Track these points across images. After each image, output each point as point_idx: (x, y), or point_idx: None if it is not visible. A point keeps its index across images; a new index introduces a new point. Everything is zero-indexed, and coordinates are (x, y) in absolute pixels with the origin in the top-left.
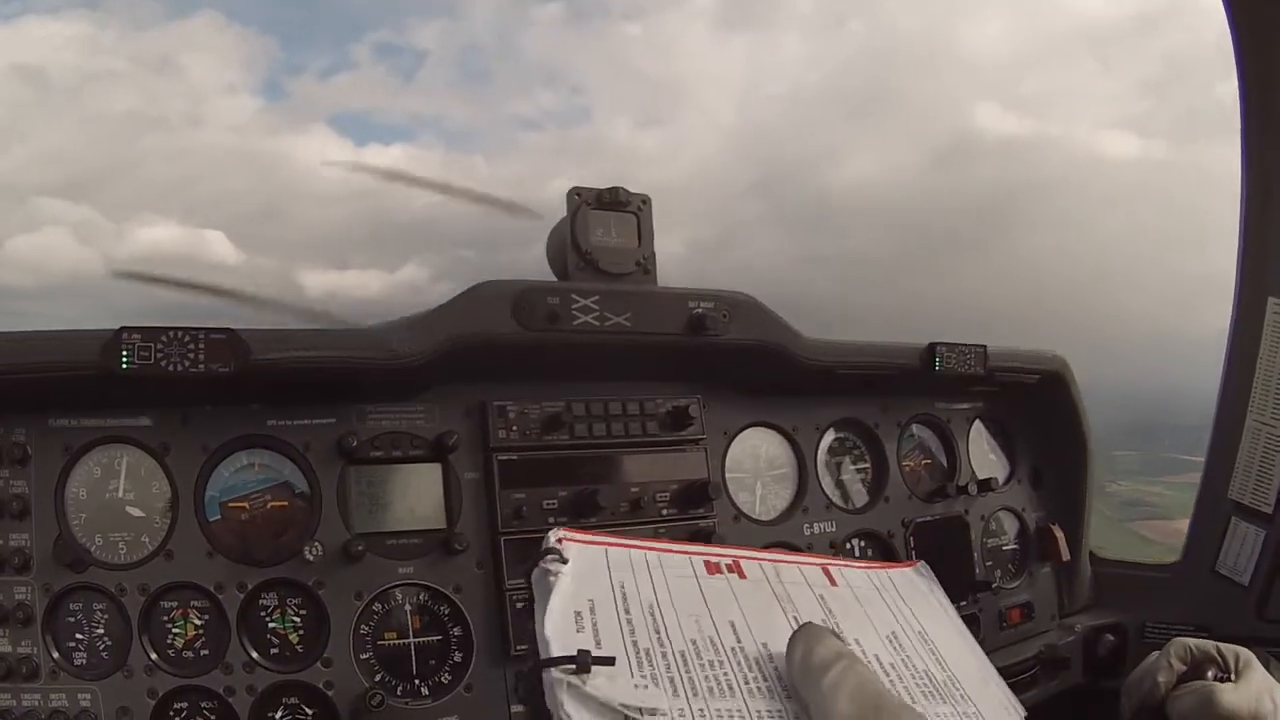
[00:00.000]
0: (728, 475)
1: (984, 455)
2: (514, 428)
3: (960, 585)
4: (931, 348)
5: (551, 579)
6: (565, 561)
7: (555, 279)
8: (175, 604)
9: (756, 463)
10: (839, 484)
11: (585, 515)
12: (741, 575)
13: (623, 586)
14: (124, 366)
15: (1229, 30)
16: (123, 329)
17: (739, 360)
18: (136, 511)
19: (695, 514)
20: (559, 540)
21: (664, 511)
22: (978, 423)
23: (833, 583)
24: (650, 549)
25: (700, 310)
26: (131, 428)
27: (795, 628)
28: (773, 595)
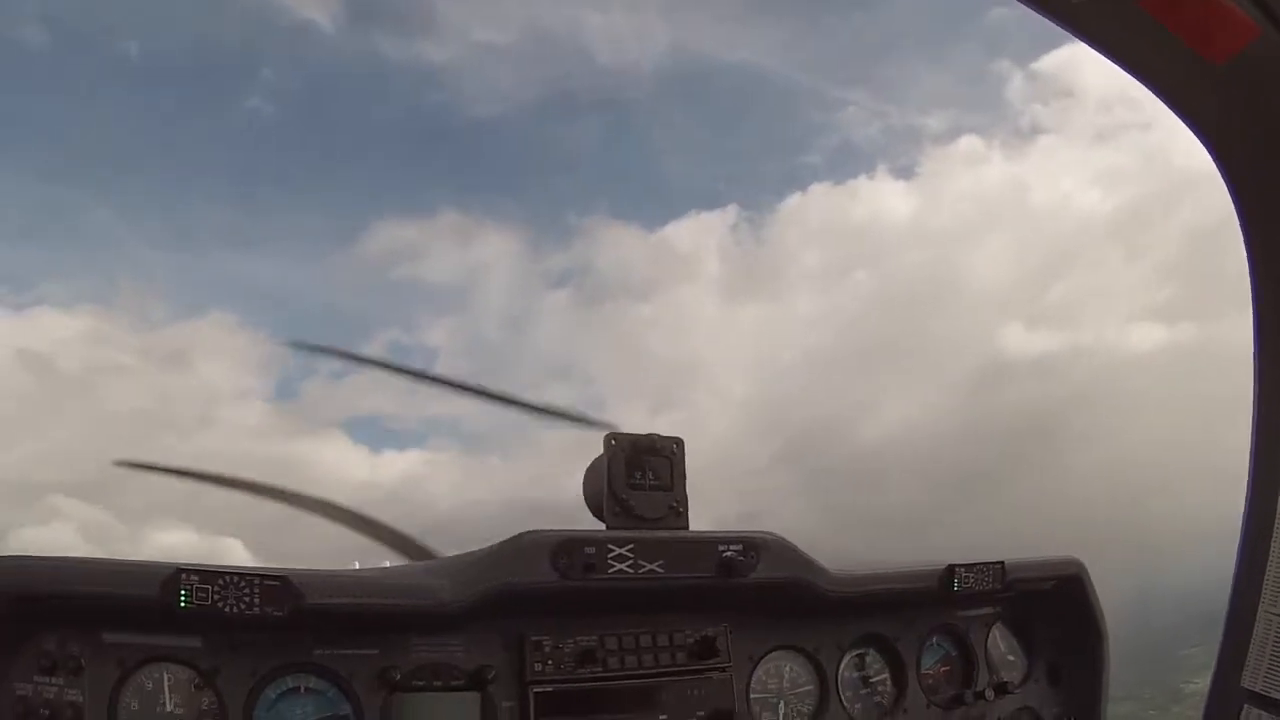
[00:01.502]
0: (752, 696)
1: (1002, 657)
2: (549, 661)
3: None
4: (950, 570)
5: None
6: None
7: (591, 516)
8: None
9: (780, 683)
10: (859, 697)
11: None
12: None
13: None
14: (182, 605)
15: (1232, 203)
16: (181, 569)
17: (766, 594)
18: None
19: None
20: None
21: None
22: (996, 626)
23: None
24: None
25: (730, 554)
26: (182, 648)
27: None
28: None
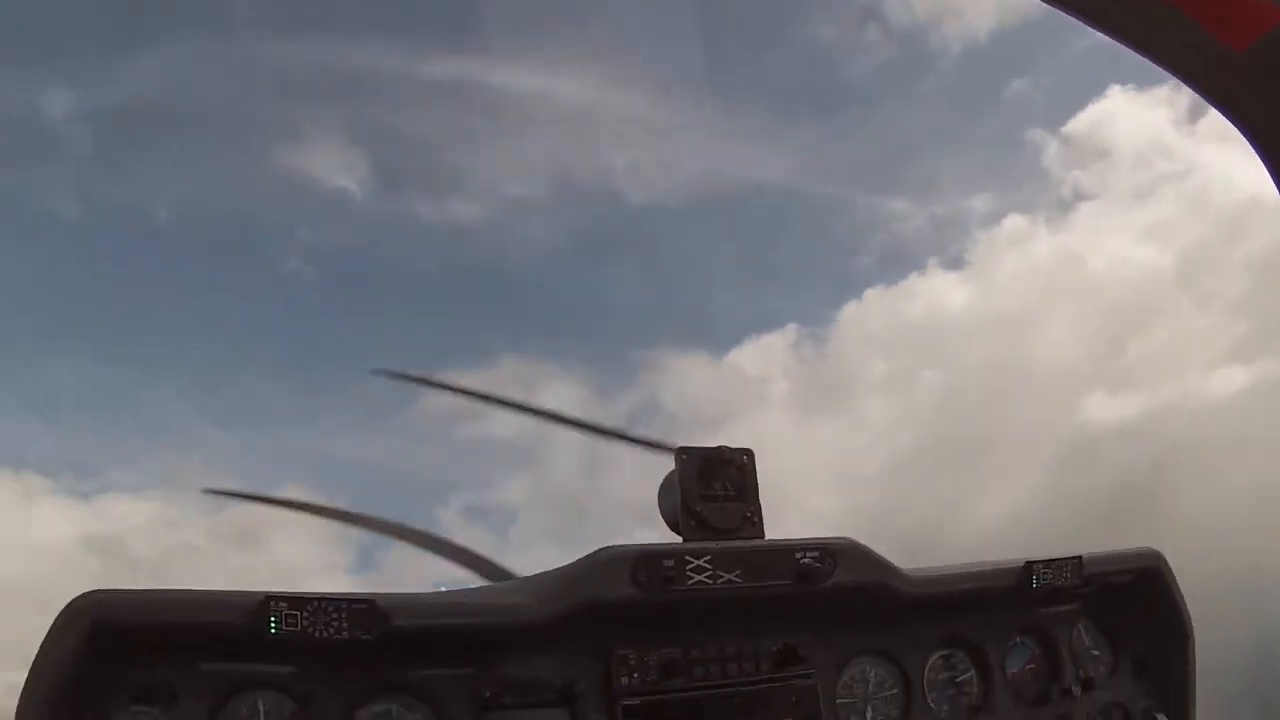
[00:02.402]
0: (838, 702)
1: (1087, 653)
2: (635, 674)
3: None
4: (1028, 567)
5: None
6: None
7: (668, 529)
8: None
9: (866, 688)
10: (946, 699)
11: None
12: None
13: None
14: (272, 631)
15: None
16: (270, 596)
17: (845, 599)
18: None
19: None
20: None
21: None
22: (1080, 622)
23: None
24: None
25: (807, 560)
26: (275, 674)
27: None
28: None
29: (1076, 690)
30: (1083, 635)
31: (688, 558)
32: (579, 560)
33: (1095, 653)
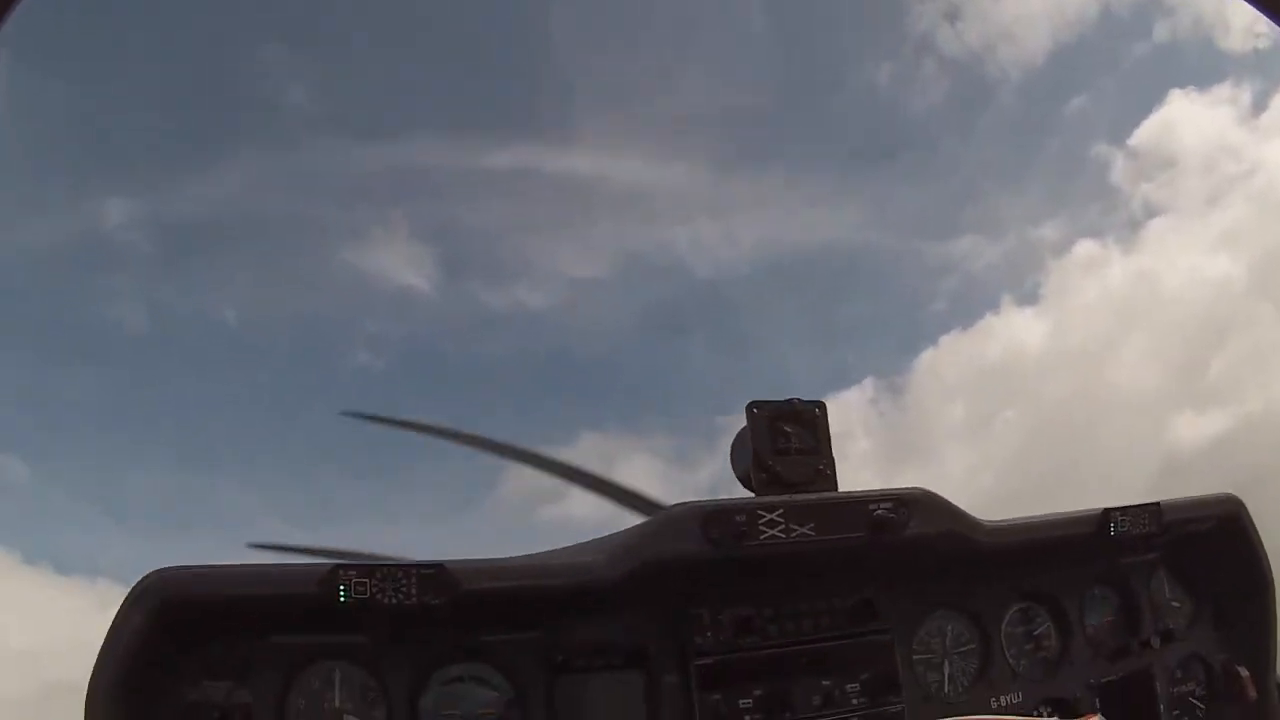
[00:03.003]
0: (915, 658)
1: (1166, 604)
2: (708, 633)
3: None
4: (1106, 514)
5: None
6: None
7: (740, 486)
8: None
9: (944, 642)
10: (1024, 653)
11: (779, 713)
12: None
13: None
14: (341, 600)
15: None
16: (338, 566)
17: (920, 551)
18: (354, 718)
19: (886, 701)
20: None
21: (854, 702)
22: (1158, 572)
23: None
24: None
25: (881, 511)
26: (347, 644)
27: None
28: None
29: (1156, 642)
30: (1162, 585)
31: (760, 511)
32: (650, 519)
33: (1175, 604)
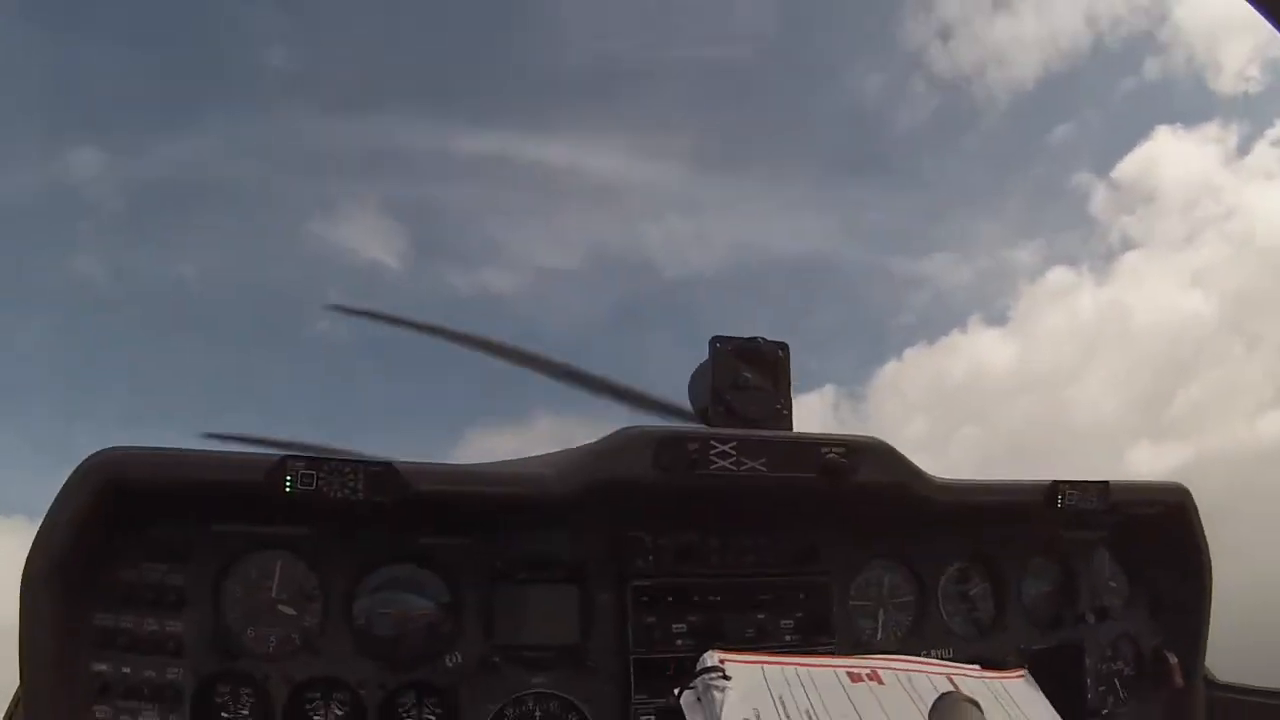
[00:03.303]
0: (851, 604)
1: (1104, 583)
2: (650, 556)
3: (1073, 711)
4: (1054, 486)
5: (717, 694)
6: (728, 679)
7: (696, 418)
8: (318, 695)
9: (881, 591)
10: (959, 611)
11: (711, 640)
12: (880, 682)
13: (781, 699)
14: (288, 490)
15: None
16: (286, 457)
17: (868, 499)
18: (289, 610)
19: (818, 642)
20: (720, 660)
21: (787, 639)
22: (1100, 550)
23: (956, 689)
24: (800, 665)
25: (832, 455)
26: (290, 536)
27: None
28: (908, 697)
29: (1090, 618)
30: (1103, 564)
31: (713, 442)
32: (604, 438)
33: (1113, 583)
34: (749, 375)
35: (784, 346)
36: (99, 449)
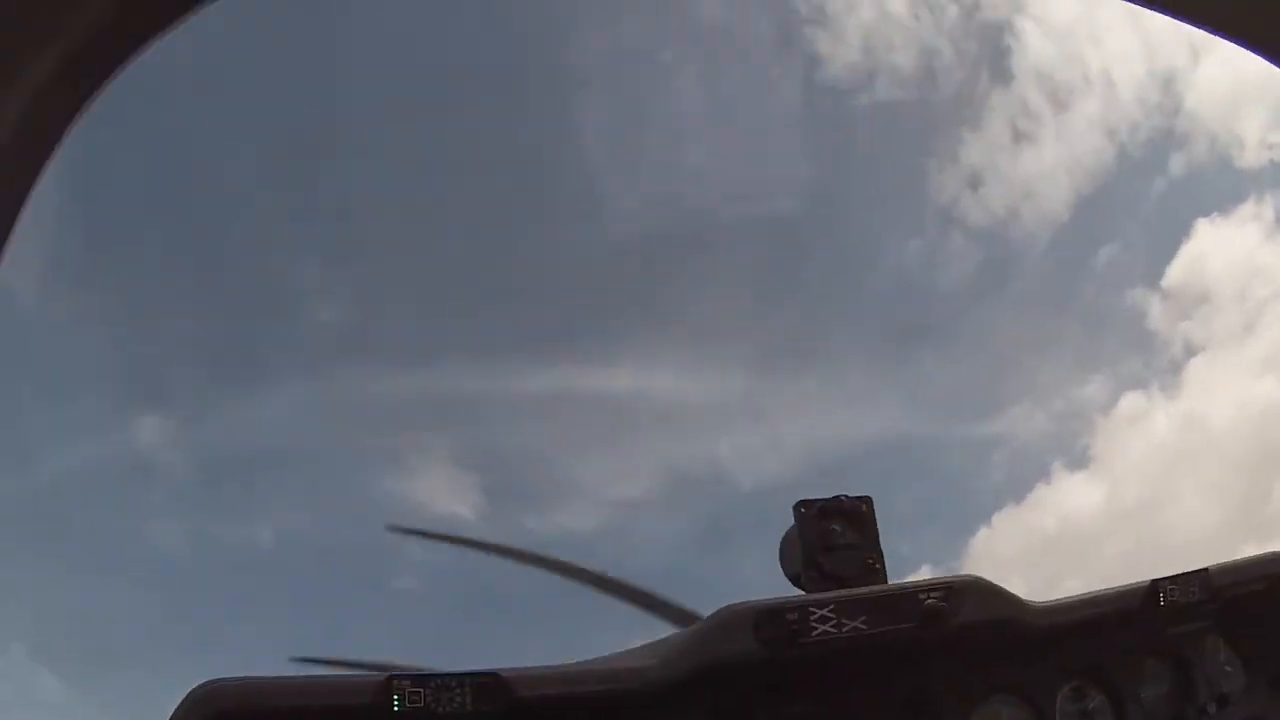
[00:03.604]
0: None
1: (1220, 669)
2: None
3: None
4: (1153, 585)
5: None
6: None
7: (790, 585)
8: None
9: None
10: None
11: None
12: None
13: None
14: (395, 710)
15: None
16: (391, 677)
17: (973, 638)
18: None
19: None
20: None
21: None
22: (1209, 638)
23: None
24: None
25: (931, 600)
26: None
27: None
28: None
29: (1212, 709)
30: (1215, 651)
31: (811, 608)
32: (702, 621)
33: (1228, 668)
34: (837, 533)
35: (867, 500)
36: (205, 680)
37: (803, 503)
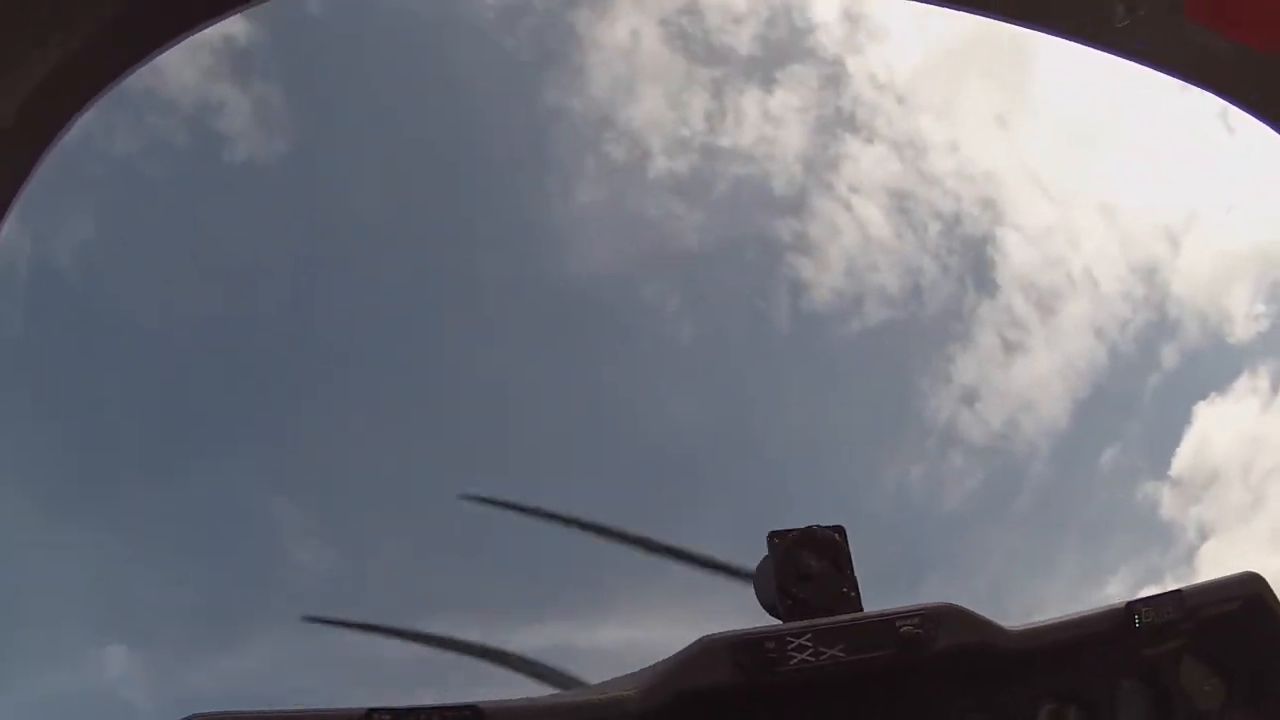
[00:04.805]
0: None
1: (1197, 688)
2: None
3: None
4: (1129, 606)
5: None
6: None
7: (768, 616)
8: None
9: None
10: None
11: None
12: None
13: None
14: None
15: None
16: (371, 710)
17: (949, 663)
18: None
19: None
20: None
21: None
22: (1186, 658)
23: None
24: None
25: (908, 628)
26: None
27: None
28: None
29: None
30: (1192, 670)
31: (789, 637)
32: (681, 651)
33: (1205, 688)
34: (811, 564)
35: (840, 530)
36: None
37: (776, 533)
